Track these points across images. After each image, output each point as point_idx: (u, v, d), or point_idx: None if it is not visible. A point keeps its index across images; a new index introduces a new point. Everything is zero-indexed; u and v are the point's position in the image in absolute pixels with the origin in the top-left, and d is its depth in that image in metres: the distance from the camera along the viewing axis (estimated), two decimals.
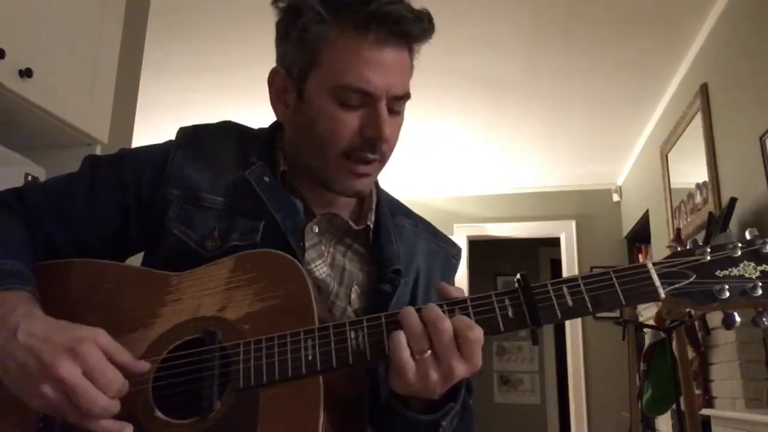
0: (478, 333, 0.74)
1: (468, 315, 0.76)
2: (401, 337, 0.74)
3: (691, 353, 3.01)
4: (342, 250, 0.96)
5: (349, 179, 0.90)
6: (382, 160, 0.92)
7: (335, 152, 0.88)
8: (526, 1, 3.10)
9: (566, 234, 5.74)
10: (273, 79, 0.94)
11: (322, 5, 0.86)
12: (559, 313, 0.76)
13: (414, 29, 0.87)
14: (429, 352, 0.73)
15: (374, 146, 0.88)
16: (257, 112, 2.00)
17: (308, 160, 0.92)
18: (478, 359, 0.74)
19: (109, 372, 0.73)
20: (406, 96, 0.90)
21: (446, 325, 0.73)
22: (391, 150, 0.92)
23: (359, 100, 0.86)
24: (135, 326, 0.82)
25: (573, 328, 5.49)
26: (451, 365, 0.73)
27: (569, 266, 5.66)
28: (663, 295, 0.76)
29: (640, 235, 5.00)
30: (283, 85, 0.93)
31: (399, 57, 0.88)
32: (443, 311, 0.76)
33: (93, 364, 0.72)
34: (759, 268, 0.76)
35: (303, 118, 0.90)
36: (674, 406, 3.07)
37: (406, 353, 0.73)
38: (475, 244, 6.00)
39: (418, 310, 0.76)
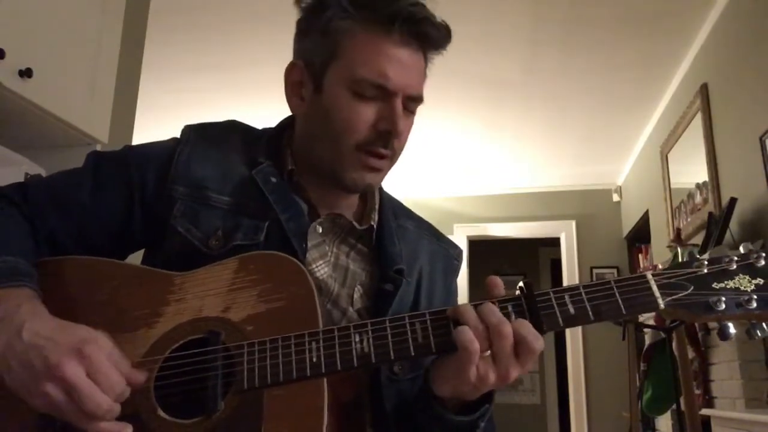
0: (542, 343, 0.75)
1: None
2: (468, 331, 0.74)
3: (691, 353, 3.01)
4: (345, 250, 0.97)
5: (361, 173, 0.91)
6: (393, 158, 0.93)
7: (349, 144, 0.89)
8: (526, 1, 3.10)
9: (566, 234, 5.74)
10: (290, 73, 0.96)
11: (348, 1, 0.88)
12: (561, 321, 0.77)
13: (434, 33, 0.90)
14: (488, 352, 0.75)
15: (387, 141, 0.89)
16: (258, 112, 2.00)
17: (320, 153, 0.93)
18: (531, 365, 0.76)
19: (113, 375, 0.72)
20: (420, 98, 0.92)
21: (509, 329, 0.74)
22: (402, 149, 0.94)
23: (376, 94, 0.88)
24: (137, 325, 0.82)
25: (573, 328, 5.49)
26: (509, 369, 0.75)
27: (569, 266, 5.67)
28: (662, 306, 0.78)
29: (640, 235, 5.00)
30: (300, 79, 0.94)
31: (416, 59, 0.91)
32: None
33: (98, 365, 0.71)
34: (754, 281, 0.79)
35: (318, 110, 0.91)
36: (674, 406, 3.07)
37: (476, 345, 0.73)
38: (475, 244, 6.00)
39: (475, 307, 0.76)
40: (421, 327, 0.77)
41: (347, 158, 0.90)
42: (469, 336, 0.73)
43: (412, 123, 0.94)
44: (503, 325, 0.74)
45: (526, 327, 0.75)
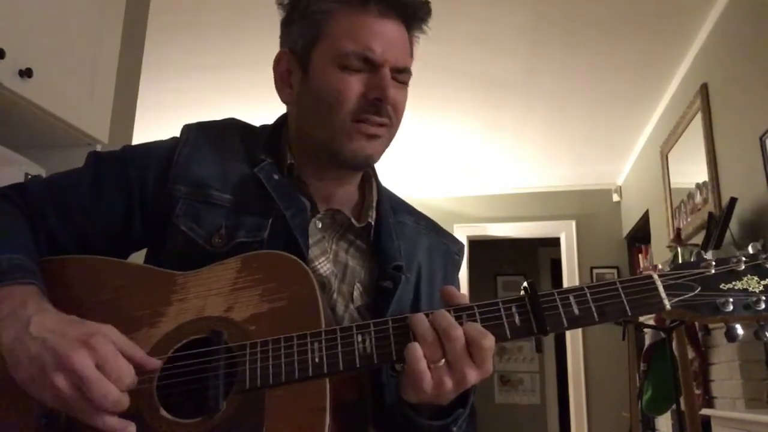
0: (491, 341, 0.74)
1: (475, 322, 0.76)
2: (418, 348, 0.74)
3: (691, 353, 3.01)
4: (344, 246, 0.97)
5: (361, 142, 0.91)
6: (392, 127, 0.93)
7: (342, 116, 0.89)
8: (527, 1, 3.10)
9: (566, 234, 5.74)
10: (278, 63, 0.97)
11: None
12: (565, 322, 0.76)
13: (411, 4, 0.93)
14: (443, 360, 0.74)
15: (380, 109, 0.90)
16: (258, 112, 1.99)
17: (316, 135, 0.93)
18: (490, 365, 0.75)
19: (122, 365, 0.72)
20: (408, 70, 0.93)
21: (459, 333, 0.74)
22: (399, 117, 0.94)
23: (362, 66, 0.89)
24: (140, 325, 0.82)
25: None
26: (465, 372, 0.74)
27: (569, 266, 5.67)
28: (668, 307, 0.77)
29: (640, 235, 5.00)
30: (288, 67, 0.95)
31: (399, 32, 0.92)
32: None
33: (106, 356, 0.71)
34: (762, 282, 0.77)
35: (308, 91, 0.92)
36: (674, 406, 3.06)
37: (423, 364, 0.73)
38: (475, 244, 6.00)
39: (427, 316, 0.76)
40: None
41: (343, 131, 0.90)
42: (417, 355, 0.73)
43: (405, 95, 0.95)
44: (452, 329, 0.74)
45: (475, 326, 0.74)
